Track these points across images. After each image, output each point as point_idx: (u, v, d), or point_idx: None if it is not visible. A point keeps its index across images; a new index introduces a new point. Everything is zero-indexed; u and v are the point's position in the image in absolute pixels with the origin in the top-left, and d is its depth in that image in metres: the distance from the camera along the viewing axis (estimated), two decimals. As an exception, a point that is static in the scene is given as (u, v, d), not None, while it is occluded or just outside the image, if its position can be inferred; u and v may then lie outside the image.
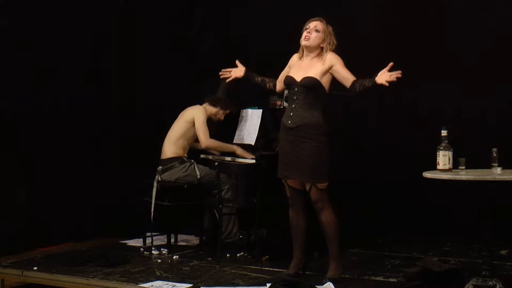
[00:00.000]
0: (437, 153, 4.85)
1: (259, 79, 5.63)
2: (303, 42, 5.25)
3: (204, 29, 7.93)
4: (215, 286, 5.04)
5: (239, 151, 6.21)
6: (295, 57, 5.40)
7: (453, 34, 6.72)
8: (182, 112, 6.44)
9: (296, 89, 5.20)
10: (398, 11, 6.95)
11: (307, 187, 5.15)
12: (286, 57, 7.31)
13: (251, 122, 6.38)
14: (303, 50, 5.29)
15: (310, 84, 5.13)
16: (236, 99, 6.51)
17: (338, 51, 5.29)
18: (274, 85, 5.54)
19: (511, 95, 6.46)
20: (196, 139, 6.35)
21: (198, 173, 6.23)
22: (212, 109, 6.43)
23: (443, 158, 4.83)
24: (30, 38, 6.64)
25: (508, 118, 6.43)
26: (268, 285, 4.91)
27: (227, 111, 6.49)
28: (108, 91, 7.30)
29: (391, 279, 5.17)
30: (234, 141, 6.44)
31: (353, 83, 5.14)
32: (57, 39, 6.86)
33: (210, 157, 6.40)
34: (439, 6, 6.79)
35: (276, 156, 5.93)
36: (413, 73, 6.85)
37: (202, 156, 6.52)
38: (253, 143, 6.29)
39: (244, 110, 6.51)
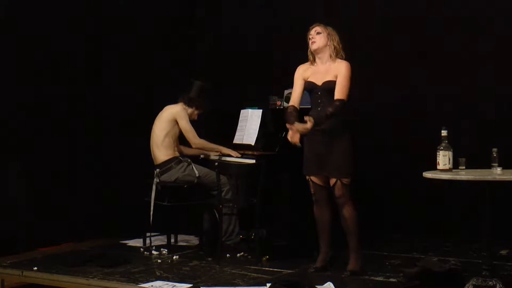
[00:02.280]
0: (437, 153, 4.85)
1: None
2: (312, 47, 5.44)
3: (204, 29, 7.93)
4: (215, 286, 5.04)
5: (224, 150, 6.28)
6: (300, 68, 5.52)
7: (453, 34, 6.73)
8: (160, 113, 6.41)
9: (319, 93, 5.39)
10: (398, 12, 6.95)
11: (332, 183, 5.36)
12: (286, 57, 7.35)
13: (251, 122, 6.37)
14: (314, 57, 5.46)
15: (332, 87, 5.30)
16: (208, 98, 6.50)
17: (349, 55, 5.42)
18: (296, 110, 5.45)
19: (511, 95, 6.46)
20: (179, 137, 6.35)
21: (196, 172, 6.23)
22: (188, 109, 6.42)
23: (443, 158, 4.83)
24: (29, 38, 6.63)
25: (508, 118, 6.43)
26: (268, 285, 4.91)
27: (201, 111, 6.49)
28: (108, 91, 7.30)
29: (391, 279, 5.17)
30: (234, 141, 6.44)
31: (333, 101, 5.24)
32: (56, 38, 6.85)
33: (211, 157, 6.40)
34: (439, 6, 6.79)
35: (276, 157, 5.96)
36: (413, 73, 6.89)
37: (202, 156, 6.52)
38: (253, 143, 6.28)
39: (244, 110, 6.50)
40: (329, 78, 5.33)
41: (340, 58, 5.39)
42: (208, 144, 6.38)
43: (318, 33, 5.40)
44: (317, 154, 5.36)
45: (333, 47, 5.38)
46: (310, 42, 5.43)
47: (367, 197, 6.86)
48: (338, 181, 5.31)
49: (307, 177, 5.47)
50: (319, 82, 5.37)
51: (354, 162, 5.34)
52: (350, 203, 5.34)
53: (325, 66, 5.39)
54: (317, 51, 5.41)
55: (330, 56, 5.39)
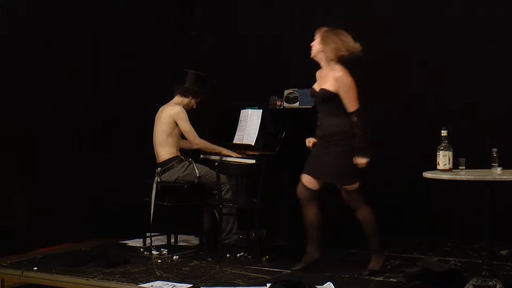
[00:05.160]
0: (437, 153, 4.86)
1: None
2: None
3: (204, 29, 7.93)
4: (215, 286, 5.04)
5: (224, 151, 6.30)
6: (317, 74, 5.53)
7: (452, 35, 6.72)
8: (159, 114, 6.42)
9: (316, 100, 5.42)
10: (398, 12, 6.95)
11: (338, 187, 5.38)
12: (286, 57, 7.35)
13: (251, 122, 6.38)
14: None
15: (325, 95, 5.30)
16: (204, 85, 6.50)
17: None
18: None
19: (511, 95, 6.47)
20: (182, 135, 6.37)
21: (197, 171, 6.23)
22: (184, 100, 6.42)
23: (443, 158, 4.83)
24: (29, 38, 6.63)
25: (508, 118, 6.43)
26: (268, 285, 4.91)
27: (198, 99, 6.49)
28: (108, 91, 7.30)
29: (391, 279, 5.17)
30: (234, 141, 6.44)
31: (354, 120, 5.21)
32: (56, 39, 6.85)
33: (212, 157, 6.40)
34: (440, 7, 6.79)
35: (276, 157, 5.97)
36: (412, 73, 6.89)
37: (202, 156, 6.52)
38: (253, 143, 6.29)
39: (244, 110, 6.51)
40: (325, 86, 5.29)
41: (338, 62, 5.29)
42: (208, 145, 6.39)
43: (315, 39, 5.37)
44: (318, 159, 5.36)
45: (324, 53, 5.30)
46: None
47: (366, 197, 6.86)
48: (342, 189, 5.33)
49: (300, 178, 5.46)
50: (317, 88, 5.38)
51: (355, 168, 5.28)
52: (361, 207, 5.33)
53: (324, 72, 5.37)
54: (314, 58, 5.39)
55: (326, 62, 5.33)
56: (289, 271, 5.47)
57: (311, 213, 5.43)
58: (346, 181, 5.31)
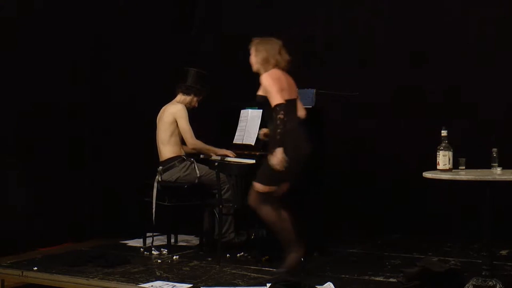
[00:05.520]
0: (437, 153, 4.86)
1: None
2: None
3: (204, 29, 7.93)
4: (215, 286, 5.04)
5: (219, 152, 6.31)
6: None
7: (451, 34, 6.73)
8: (161, 113, 6.44)
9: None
10: (395, 12, 6.96)
11: None
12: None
13: (251, 122, 6.37)
14: None
15: (259, 100, 5.35)
16: (205, 83, 6.50)
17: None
18: None
19: (510, 96, 6.47)
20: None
21: (198, 172, 6.23)
22: (186, 98, 6.44)
23: (443, 158, 4.83)
24: (29, 38, 6.63)
25: (508, 118, 6.43)
26: (268, 285, 4.91)
27: (200, 98, 6.50)
28: (108, 91, 7.30)
29: (391, 279, 5.17)
30: (234, 141, 6.43)
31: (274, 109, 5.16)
32: (56, 38, 6.85)
33: (212, 157, 6.40)
34: (439, 6, 6.79)
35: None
36: (412, 73, 6.90)
37: (202, 156, 6.52)
38: (253, 143, 6.28)
39: (244, 110, 6.50)
40: (259, 91, 5.34)
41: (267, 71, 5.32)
42: (204, 146, 6.40)
43: (251, 53, 5.40)
44: None
45: (258, 65, 5.37)
46: None
47: (366, 197, 6.87)
48: (252, 186, 5.30)
49: None
50: None
51: (272, 174, 5.18)
52: (260, 209, 5.26)
53: None
54: (257, 72, 5.41)
55: (264, 72, 5.34)
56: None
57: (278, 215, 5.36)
58: (259, 179, 5.24)
